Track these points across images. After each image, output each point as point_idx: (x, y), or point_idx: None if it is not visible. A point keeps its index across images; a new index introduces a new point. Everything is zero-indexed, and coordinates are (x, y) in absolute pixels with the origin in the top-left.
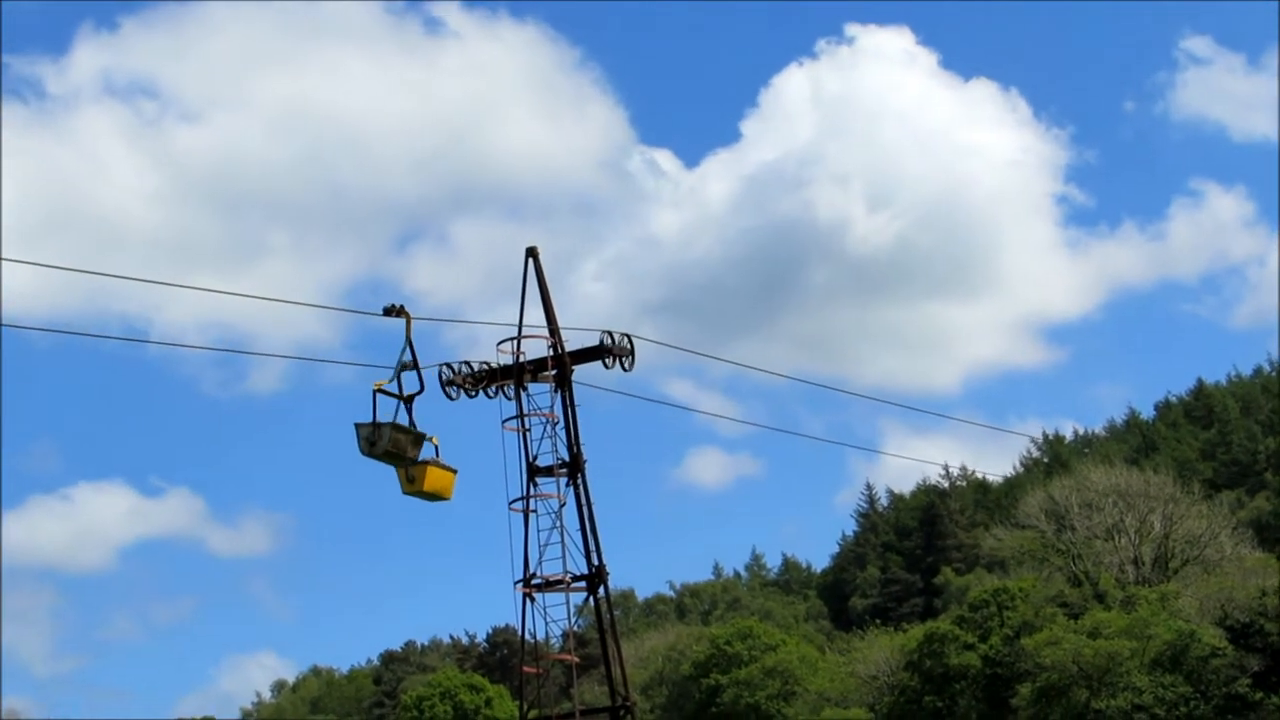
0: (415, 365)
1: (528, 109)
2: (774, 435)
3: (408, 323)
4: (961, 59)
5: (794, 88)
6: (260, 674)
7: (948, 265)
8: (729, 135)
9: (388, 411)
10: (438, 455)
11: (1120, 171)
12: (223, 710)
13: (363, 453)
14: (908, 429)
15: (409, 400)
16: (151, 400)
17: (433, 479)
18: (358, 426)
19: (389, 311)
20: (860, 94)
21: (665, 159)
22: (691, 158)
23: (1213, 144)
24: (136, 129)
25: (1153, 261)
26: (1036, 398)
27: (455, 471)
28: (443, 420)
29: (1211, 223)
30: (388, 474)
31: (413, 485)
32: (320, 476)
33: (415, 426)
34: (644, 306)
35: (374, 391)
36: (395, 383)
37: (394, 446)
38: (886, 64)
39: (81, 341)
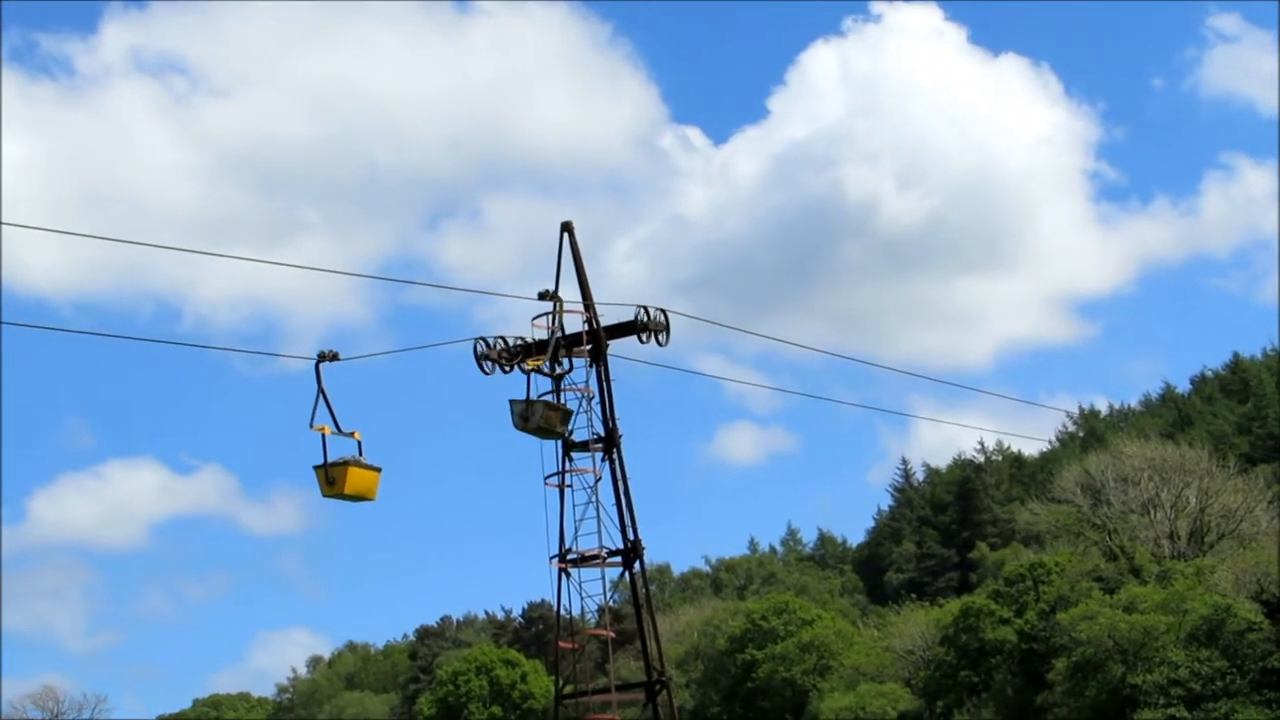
0: (330, 411)
1: (560, 85)
2: (807, 410)
3: (317, 368)
4: (990, 34)
5: (822, 65)
6: (293, 650)
7: (979, 242)
8: (756, 112)
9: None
10: (360, 453)
11: (1151, 147)
12: (256, 686)
13: (516, 427)
14: (939, 405)
15: (558, 379)
16: (183, 377)
17: (354, 480)
18: (512, 403)
19: (323, 358)
20: (889, 71)
21: (695, 135)
22: (719, 134)
23: (1242, 119)
24: (167, 106)
25: (1185, 236)
26: (1068, 373)
27: (379, 470)
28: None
29: (1244, 196)
30: (421, 451)
31: (333, 488)
32: (351, 451)
33: (564, 404)
34: (675, 285)
35: (528, 371)
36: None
37: (545, 422)
38: (915, 40)
39: (112, 317)
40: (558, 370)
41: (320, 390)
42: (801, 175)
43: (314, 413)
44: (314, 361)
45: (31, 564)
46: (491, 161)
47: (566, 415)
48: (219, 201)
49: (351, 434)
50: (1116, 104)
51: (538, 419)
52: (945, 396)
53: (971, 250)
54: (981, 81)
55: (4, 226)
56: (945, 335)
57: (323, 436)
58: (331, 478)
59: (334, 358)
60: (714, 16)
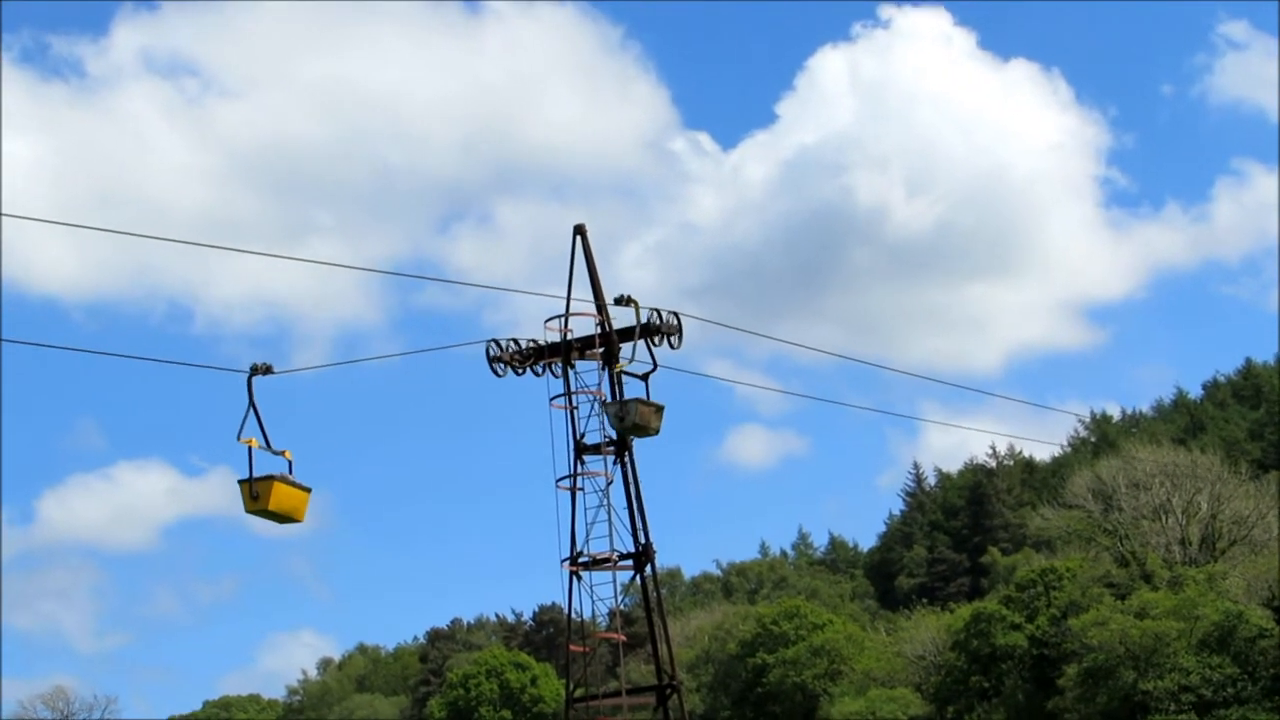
0: (260, 426)
1: (571, 88)
2: (817, 415)
3: (249, 381)
4: (999, 39)
5: (831, 70)
6: (302, 652)
7: (989, 247)
8: (765, 117)
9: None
10: (290, 471)
11: (1161, 153)
12: (265, 688)
13: (613, 427)
14: (949, 410)
15: (645, 378)
16: (193, 379)
17: (280, 497)
18: (605, 405)
19: (255, 370)
20: (898, 76)
21: (704, 140)
22: (728, 139)
23: (1252, 125)
24: (178, 107)
25: (1196, 242)
26: (1078, 379)
27: (309, 490)
28: (492, 396)
29: (1255, 202)
30: (432, 454)
31: (256, 503)
32: (362, 455)
33: (654, 400)
34: (685, 290)
35: (617, 373)
36: None
37: (640, 418)
38: (924, 45)
39: (124, 320)
40: (630, 369)
41: (251, 403)
42: (811, 181)
43: (243, 425)
44: (246, 374)
45: (41, 564)
46: (502, 164)
47: (659, 409)
48: (230, 203)
49: (282, 453)
50: (1127, 110)
51: (633, 416)
52: (955, 402)
53: (981, 256)
54: (991, 86)
55: (4, 220)
56: (955, 340)
57: (249, 449)
58: (256, 493)
59: (267, 370)
60: (723, 19)
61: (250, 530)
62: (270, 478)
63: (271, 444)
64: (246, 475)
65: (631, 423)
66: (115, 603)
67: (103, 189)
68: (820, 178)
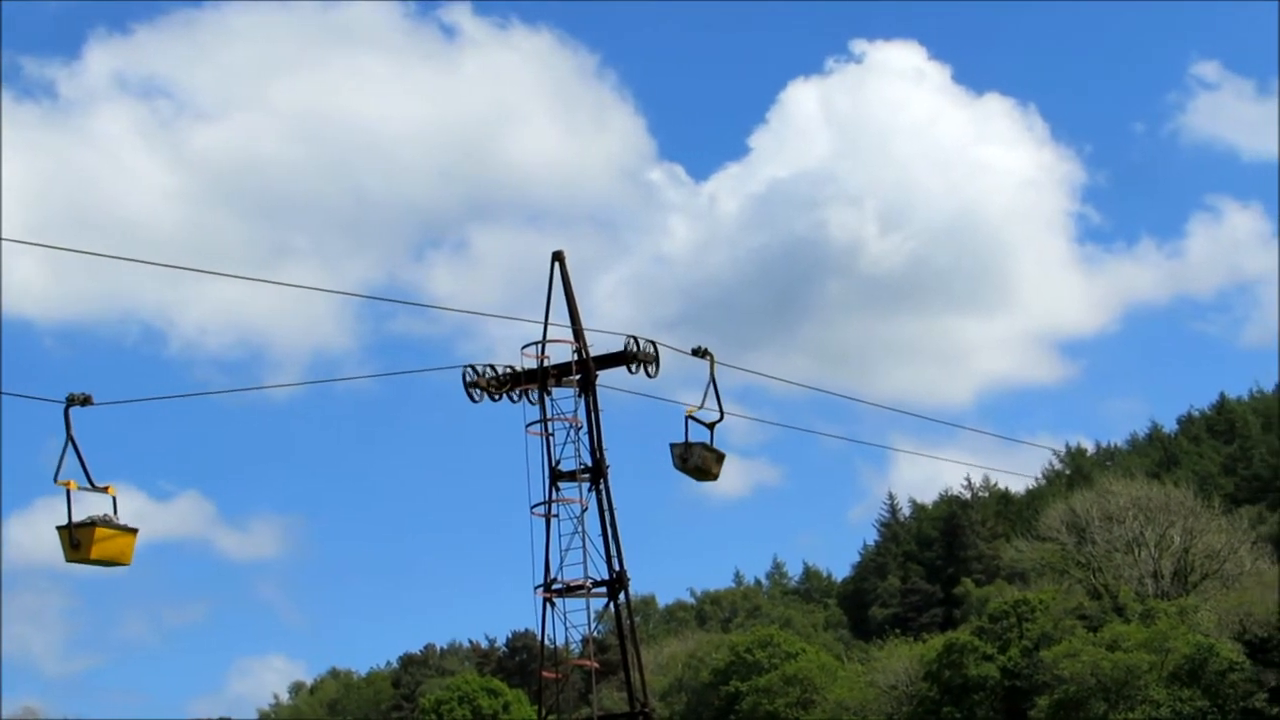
0: (81, 462)
1: (547, 116)
2: (791, 446)
3: (66, 413)
4: (974, 74)
5: (803, 104)
6: (271, 677)
7: (962, 282)
8: (737, 149)
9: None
10: (114, 512)
11: (1135, 190)
12: (235, 712)
13: (676, 468)
14: (921, 443)
15: (711, 426)
16: (161, 403)
17: (103, 544)
18: (672, 446)
19: (72, 401)
20: (871, 111)
21: (677, 171)
22: (700, 171)
23: (1224, 164)
24: (152, 130)
25: (1170, 278)
26: (1050, 412)
27: (134, 533)
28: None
29: (1229, 239)
30: (403, 479)
31: (78, 552)
32: (334, 480)
33: (716, 447)
34: (659, 321)
35: (686, 417)
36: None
37: (702, 463)
38: (897, 79)
39: (93, 341)
40: (698, 415)
41: (69, 438)
42: (784, 215)
43: (60, 464)
44: (63, 405)
45: (9, 587)
46: (479, 191)
47: (720, 457)
48: (205, 226)
49: (105, 489)
50: (1101, 147)
51: (696, 460)
52: (927, 435)
53: (955, 290)
54: (965, 121)
55: None
56: (928, 373)
57: (68, 492)
58: (76, 540)
59: (86, 401)
60: (698, 48)
61: (221, 554)
62: (91, 523)
63: (94, 481)
64: (65, 522)
65: (694, 465)
66: (84, 626)
67: (76, 211)
68: (794, 212)
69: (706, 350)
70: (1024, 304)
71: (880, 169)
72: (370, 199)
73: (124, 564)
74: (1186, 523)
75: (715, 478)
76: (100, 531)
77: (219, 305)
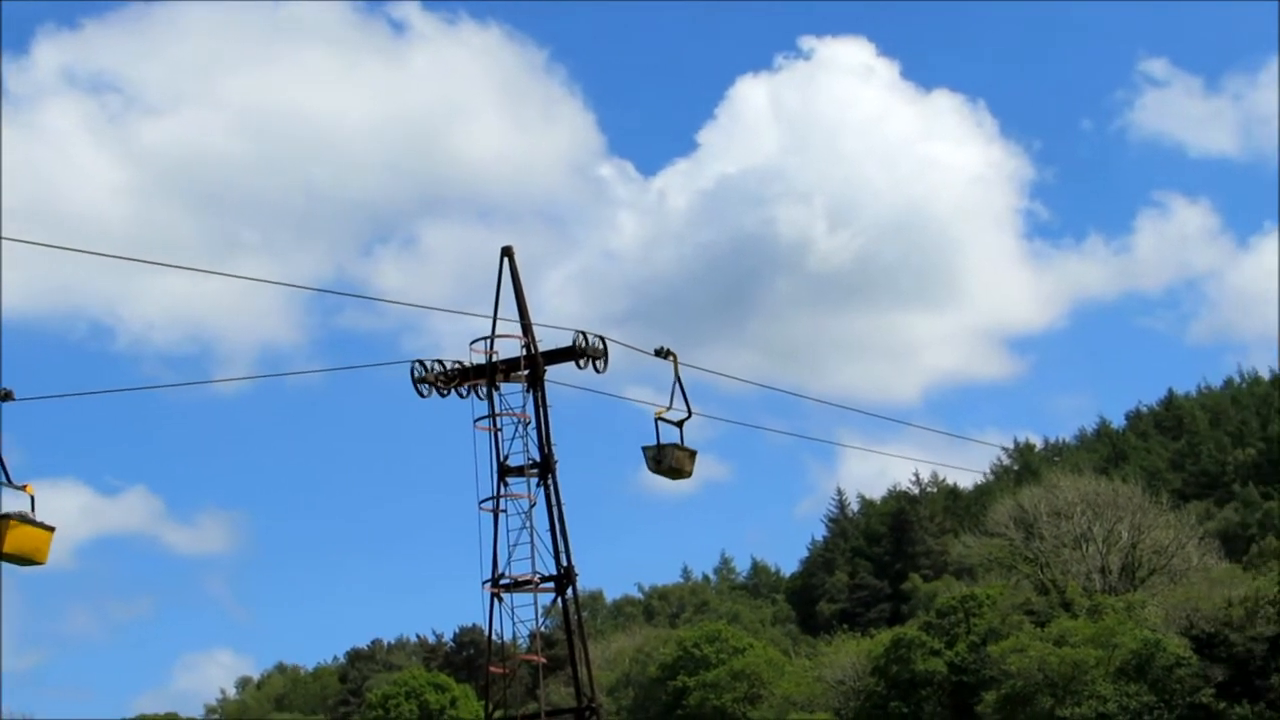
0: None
1: (497, 111)
2: (739, 442)
3: None
4: (922, 70)
5: (752, 100)
6: (218, 672)
7: (911, 278)
8: (686, 146)
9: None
10: (32, 509)
11: (1083, 186)
12: (181, 707)
13: (650, 470)
14: (869, 439)
15: (680, 424)
16: (108, 398)
17: (17, 539)
18: (645, 450)
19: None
20: (820, 107)
21: (626, 168)
22: (649, 167)
23: (1172, 160)
24: (101, 124)
25: (1118, 274)
26: (998, 408)
27: (51, 530)
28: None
29: (1177, 234)
30: (351, 474)
31: None
32: (281, 475)
33: (686, 445)
34: (608, 317)
35: (655, 419)
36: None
37: (676, 463)
38: (846, 76)
39: (40, 336)
40: (667, 416)
41: None
42: (733, 211)
43: None
44: None
45: None
46: (428, 186)
47: (692, 455)
48: (154, 221)
49: (24, 487)
50: (1050, 143)
51: (669, 461)
52: (875, 431)
53: (903, 286)
54: (914, 118)
55: None
56: (876, 369)
57: None
58: None
59: (6, 397)
60: (647, 44)
61: (168, 549)
62: (7, 518)
63: (11, 478)
64: None
65: (668, 466)
66: (29, 621)
67: (24, 206)
68: (742, 208)
69: (670, 351)
70: (972, 300)
71: (829, 165)
72: (319, 194)
73: (39, 562)
74: (1134, 518)
75: (689, 475)
76: (16, 527)
77: (167, 300)
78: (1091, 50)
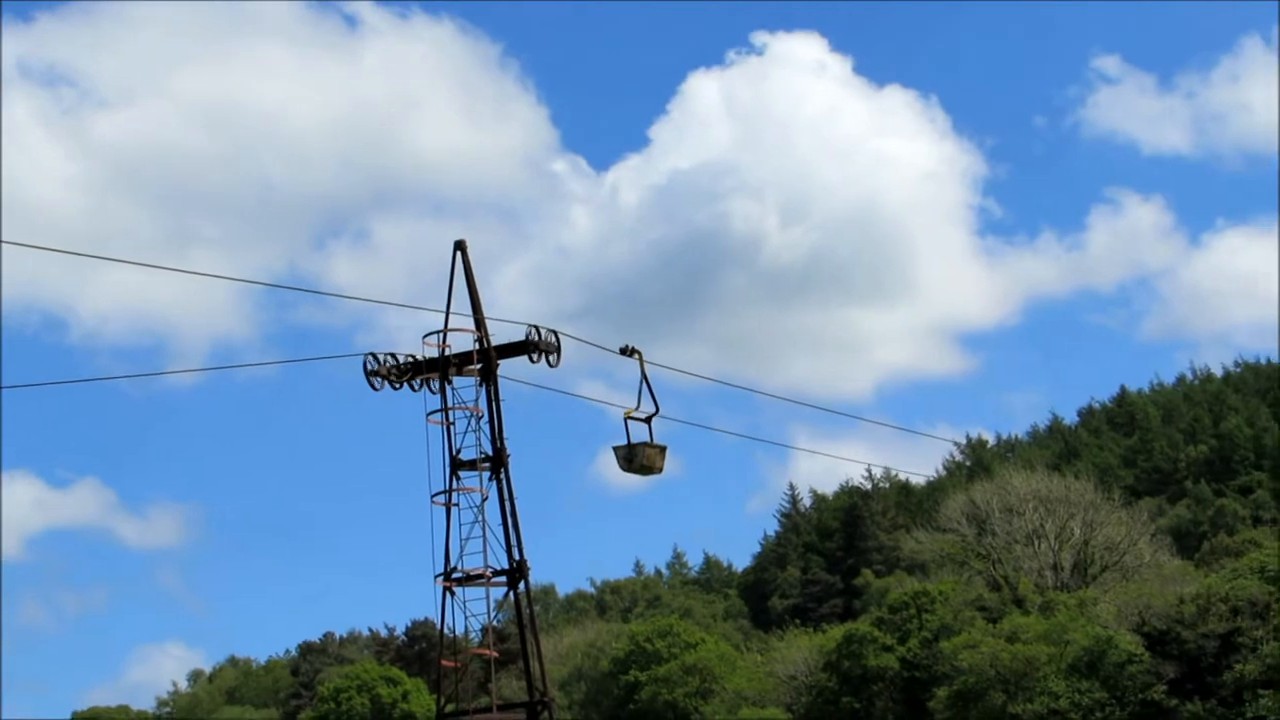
0: None
1: (450, 106)
2: (689, 436)
3: None
4: (875, 66)
5: (704, 96)
6: (170, 664)
7: (863, 274)
8: (638, 141)
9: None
10: None
11: (1036, 183)
12: (133, 700)
13: (622, 469)
14: (821, 434)
15: (649, 421)
16: (60, 390)
17: None
18: (615, 449)
19: None
20: (772, 103)
21: (579, 162)
22: (602, 162)
23: (1124, 157)
24: (55, 117)
25: (1070, 271)
26: (949, 404)
27: None
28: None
29: (1130, 232)
30: (304, 468)
31: None
32: (234, 468)
33: (656, 441)
34: (561, 313)
35: (625, 419)
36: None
37: (647, 460)
38: (798, 72)
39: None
40: (635, 414)
41: None
42: (686, 207)
43: None
44: None
45: None
46: (381, 181)
47: (663, 450)
48: (108, 214)
49: None
50: (1003, 140)
51: (641, 459)
52: (827, 426)
53: (855, 282)
54: (866, 114)
55: None
56: (828, 364)
57: None
58: None
59: None
60: (599, 38)
61: (119, 542)
62: None
63: None
64: None
65: (639, 464)
66: None
67: None
68: (695, 203)
69: (635, 349)
70: (925, 296)
71: (781, 161)
72: (272, 188)
73: None
74: (1086, 515)
75: (661, 471)
76: None
77: (121, 293)
78: (1044, 47)
